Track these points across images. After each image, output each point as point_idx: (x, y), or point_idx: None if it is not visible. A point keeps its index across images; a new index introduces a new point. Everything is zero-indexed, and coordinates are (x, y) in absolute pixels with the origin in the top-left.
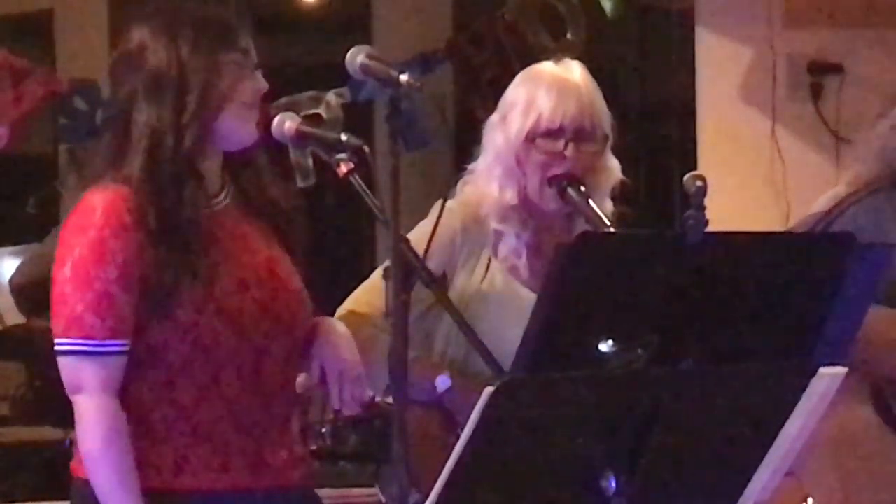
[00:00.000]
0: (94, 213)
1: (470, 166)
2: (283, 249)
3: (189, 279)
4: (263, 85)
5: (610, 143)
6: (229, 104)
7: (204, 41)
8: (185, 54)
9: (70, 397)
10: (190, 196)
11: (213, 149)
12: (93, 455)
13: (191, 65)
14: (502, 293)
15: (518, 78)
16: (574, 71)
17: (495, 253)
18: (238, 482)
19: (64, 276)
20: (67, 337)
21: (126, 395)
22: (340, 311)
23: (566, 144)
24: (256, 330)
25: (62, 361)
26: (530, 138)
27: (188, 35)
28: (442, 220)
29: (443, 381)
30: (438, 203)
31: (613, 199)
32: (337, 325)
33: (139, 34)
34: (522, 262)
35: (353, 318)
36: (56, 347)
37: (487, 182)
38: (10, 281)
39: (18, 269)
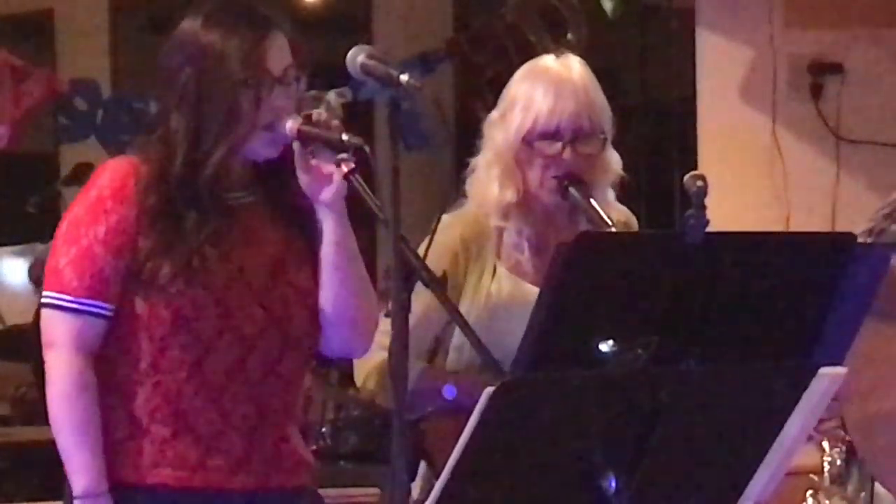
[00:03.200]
0: (101, 176)
1: (472, 162)
2: (303, 253)
3: (178, 258)
4: (283, 102)
5: (610, 139)
6: (250, 132)
7: (226, 64)
8: (210, 75)
9: (44, 353)
10: (196, 195)
11: (235, 158)
12: (55, 409)
13: (211, 91)
14: (510, 295)
15: (519, 73)
16: (573, 68)
17: (498, 253)
18: (216, 480)
19: (59, 232)
20: (47, 290)
21: (113, 376)
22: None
23: (564, 147)
24: (244, 316)
25: (41, 314)
26: (528, 140)
27: (216, 50)
28: (441, 237)
29: (449, 391)
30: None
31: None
32: None
33: (181, 31)
34: (525, 258)
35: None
36: (41, 301)
37: (487, 180)
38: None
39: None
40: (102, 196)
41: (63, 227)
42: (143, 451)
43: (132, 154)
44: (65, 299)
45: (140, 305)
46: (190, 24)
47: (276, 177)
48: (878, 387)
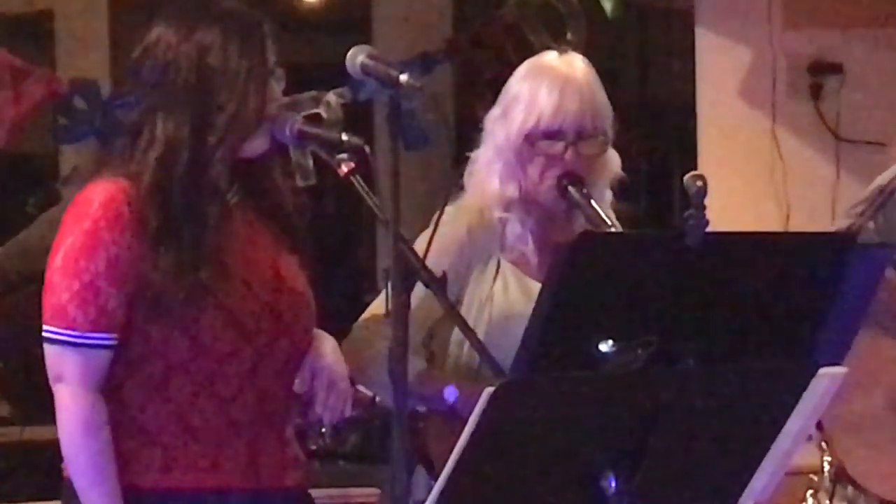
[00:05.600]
0: (92, 203)
1: (472, 156)
2: (289, 250)
3: (189, 279)
4: (278, 95)
5: (611, 140)
6: (258, 123)
7: (230, 57)
8: (213, 70)
9: (52, 387)
10: (199, 199)
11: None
12: (68, 447)
13: (218, 87)
14: (515, 292)
15: (522, 69)
16: (578, 67)
17: (502, 246)
18: (227, 482)
19: (55, 265)
20: (51, 325)
21: (119, 392)
22: (356, 327)
23: (566, 148)
24: (258, 330)
25: (46, 349)
26: (530, 140)
27: (216, 46)
28: (448, 230)
29: (450, 392)
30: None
31: (614, 195)
32: (327, 338)
33: (160, 35)
34: (530, 249)
35: (365, 333)
36: (43, 335)
37: (487, 175)
38: None
39: None
40: (98, 227)
41: (59, 260)
42: (153, 458)
43: (117, 172)
44: (71, 335)
45: (155, 332)
46: (172, 27)
47: (253, 175)
48: (849, 387)
